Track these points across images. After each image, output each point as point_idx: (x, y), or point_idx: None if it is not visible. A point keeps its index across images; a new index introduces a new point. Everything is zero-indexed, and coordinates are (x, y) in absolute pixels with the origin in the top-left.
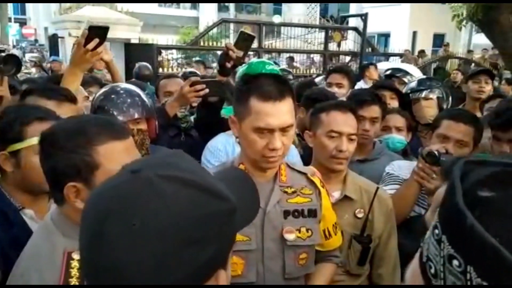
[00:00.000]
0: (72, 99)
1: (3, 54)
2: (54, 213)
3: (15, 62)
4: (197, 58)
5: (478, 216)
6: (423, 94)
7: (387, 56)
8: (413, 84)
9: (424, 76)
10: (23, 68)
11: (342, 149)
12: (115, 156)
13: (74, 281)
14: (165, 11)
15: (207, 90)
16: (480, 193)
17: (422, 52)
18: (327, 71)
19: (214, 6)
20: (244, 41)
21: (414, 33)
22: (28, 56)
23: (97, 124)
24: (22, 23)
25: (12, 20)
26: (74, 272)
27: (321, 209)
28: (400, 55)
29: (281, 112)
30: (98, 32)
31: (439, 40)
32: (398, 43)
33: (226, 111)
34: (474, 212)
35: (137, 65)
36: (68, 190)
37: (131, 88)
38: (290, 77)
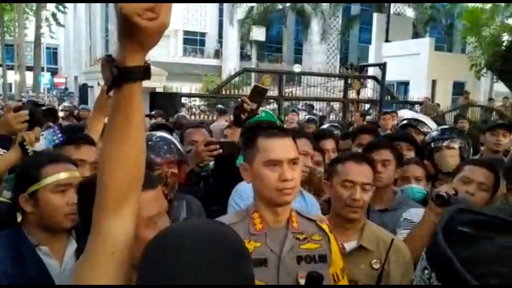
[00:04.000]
0: (89, 142)
1: (43, 108)
2: None
3: (52, 115)
4: (219, 106)
5: (452, 242)
6: (445, 143)
7: (406, 104)
8: (435, 133)
9: (447, 126)
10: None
11: (355, 197)
12: (145, 203)
13: None
14: (190, 61)
15: (220, 150)
16: (459, 227)
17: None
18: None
19: (236, 55)
20: (257, 94)
21: (434, 82)
22: (61, 107)
23: None
24: (54, 72)
25: (45, 69)
26: None
27: (331, 254)
28: (420, 103)
29: (287, 146)
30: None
31: (458, 88)
32: (417, 91)
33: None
34: (450, 239)
35: (175, 115)
36: None
37: (165, 135)
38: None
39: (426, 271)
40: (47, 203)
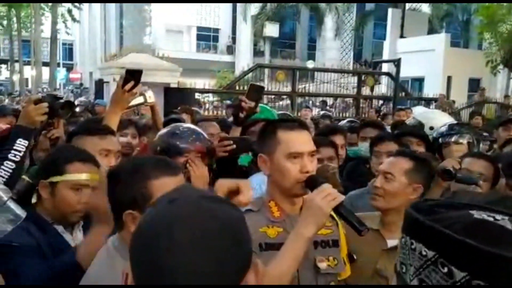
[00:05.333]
0: (112, 132)
1: (61, 101)
2: (115, 238)
3: (70, 108)
4: (227, 102)
5: (425, 213)
6: (453, 138)
7: (421, 100)
8: (444, 129)
9: (455, 121)
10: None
11: (375, 184)
12: (166, 189)
13: None
14: (204, 57)
15: (234, 146)
16: (433, 207)
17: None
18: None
19: (249, 51)
20: (254, 92)
21: (449, 78)
22: (77, 101)
23: (153, 162)
24: (69, 68)
25: (61, 65)
26: None
27: (340, 240)
28: (434, 100)
29: (306, 139)
30: (134, 75)
31: (474, 84)
32: (433, 88)
33: (243, 160)
34: (419, 213)
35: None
36: (126, 217)
37: (193, 126)
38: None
39: (403, 239)
40: (62, 197)
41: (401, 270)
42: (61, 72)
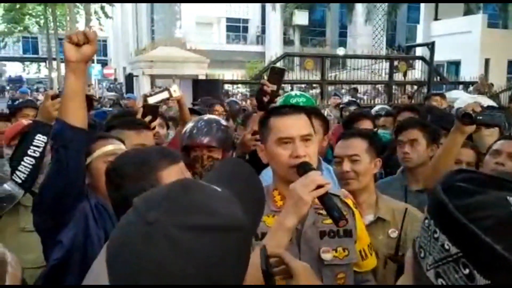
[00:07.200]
0: (147, 127)
1: None
2: None
3: (88, 101)
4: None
5: (449, 195)
6: None
7: (457, 84)
8: None
9: (486, 104)
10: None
11: (342, 170)
12: (174, 178)
13: None
14: (233, 47)
15: None
16: (457, 183)
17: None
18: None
19: (279, 41)
20: (275, 75)
21: (487, 61)
22: (105, 97)
23: (156, 153)
24: (104, 63)
25: (95, 61)
26: None
27: (356, 230)
28: (472, 83)
29: (297, 123)
30: (151, 109)
31: None
32: (470, 71)
33: None
34: (447, 193)
35: (226, 101)
36: None
37: (215, 119)
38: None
39: (426, 220)
40: (96, 171)
41: (419, 254)
42: (95, 68)
